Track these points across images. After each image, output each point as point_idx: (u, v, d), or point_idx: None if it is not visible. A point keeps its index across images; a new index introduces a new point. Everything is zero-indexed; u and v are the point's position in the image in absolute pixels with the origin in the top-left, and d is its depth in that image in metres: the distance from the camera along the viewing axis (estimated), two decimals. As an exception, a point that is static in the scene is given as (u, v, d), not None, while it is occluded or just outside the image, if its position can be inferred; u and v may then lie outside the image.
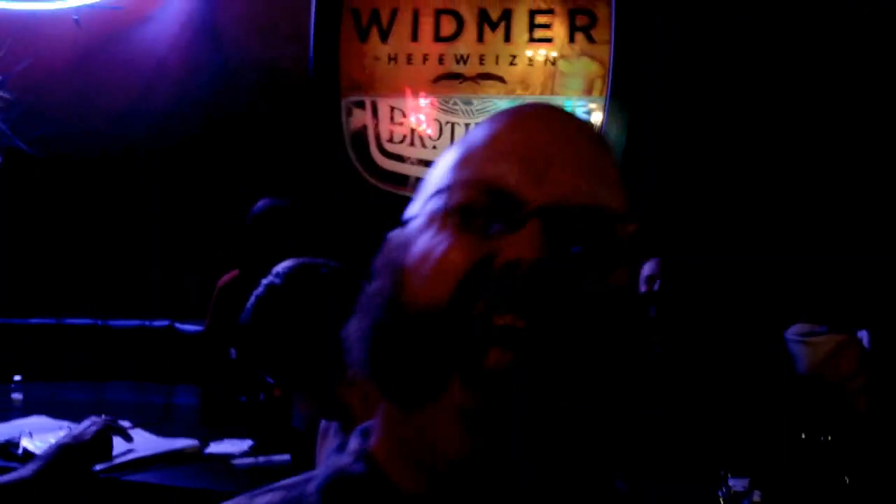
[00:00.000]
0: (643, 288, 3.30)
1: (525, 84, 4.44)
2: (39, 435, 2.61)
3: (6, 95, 4.55)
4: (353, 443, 0.75)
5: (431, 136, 4.59)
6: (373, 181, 4.61)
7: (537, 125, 0.73)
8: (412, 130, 4.60)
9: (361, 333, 0.72)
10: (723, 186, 4.05)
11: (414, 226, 0.73)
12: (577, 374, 0.65)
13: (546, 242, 0.64)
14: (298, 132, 4.61)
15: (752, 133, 4.08)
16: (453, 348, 0.64)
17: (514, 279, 0.64)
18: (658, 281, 3.26)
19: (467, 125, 4.52)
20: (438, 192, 0.72)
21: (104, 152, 4.72)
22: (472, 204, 0.69)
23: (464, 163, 0.72)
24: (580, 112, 4.33)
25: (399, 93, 4.60)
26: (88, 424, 2.29)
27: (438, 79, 4.53)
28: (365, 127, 4.64)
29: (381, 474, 0.71)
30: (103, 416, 2.36)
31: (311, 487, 0.73)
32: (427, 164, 4.54)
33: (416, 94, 4.58)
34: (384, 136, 4.62)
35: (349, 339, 0.73)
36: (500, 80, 4.45)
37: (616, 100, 4.25)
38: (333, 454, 0.76)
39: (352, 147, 4.63)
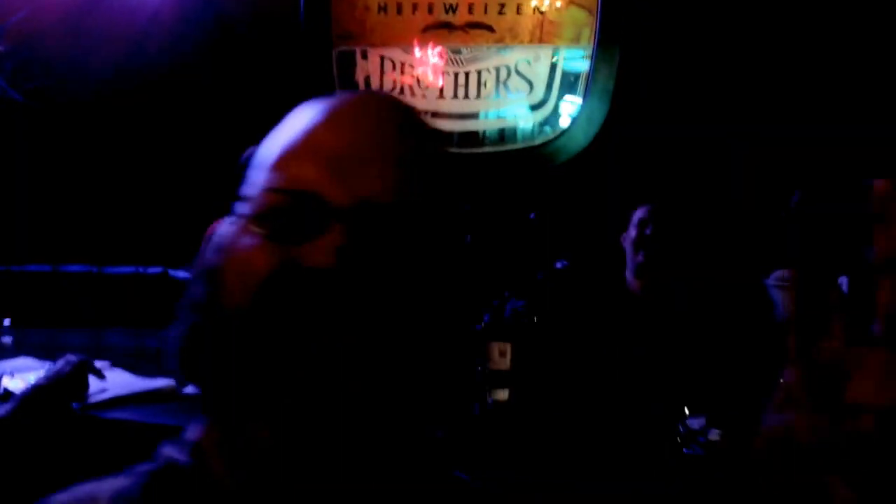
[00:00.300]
0: (633, 232, 3.30)
1: (514, 33, 4.46)
2: (21, 375, 2.65)
3: (1, 48, 4.60)
4: (189, 433, 0.76)
5: (421, 85, 4.62)
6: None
7: (345, 120, 0.72)
8: (402, 80, 4.63)
9: (179, 337, 0.72)
10: (713, 128, 4.05)
11: (226, 229, 0.72)
12: (379, 376, 0.65)
13: (348, 248, 0.65)
14: (291, 82, 4.65)
15: (741, 73, 4.07)
16: (261, 352, 0.65)
17: (312, 287, 0.64)
18: (650, 225, 3.27)
19: (456, 74, 4.55)
20: (248, 192, 0.72)
21: (99, 102, 4.77)
22: (276, 207, 0.69)
23: (270, 161, 0.72)
24: (569, 61, 4.38)
25: (389, 43, 4.63)
26: (63, 363, 2.34)
27: (428, 28, 4.55)
28: (356, 77, 4.68)
29: (204, 466, 0.72)
30: (77, 356, 2.41)
31: (145, 474, 0.76)
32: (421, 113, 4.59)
33: (405, 44, 4.61)
34: (374, 85, 4.65)
35: (170, 344, 0.73)
36: (490, 29, 4.47)
37: (603, 48, 4.26)
38: (170, 444, 0.77)
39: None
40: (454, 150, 4.47)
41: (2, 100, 4.52)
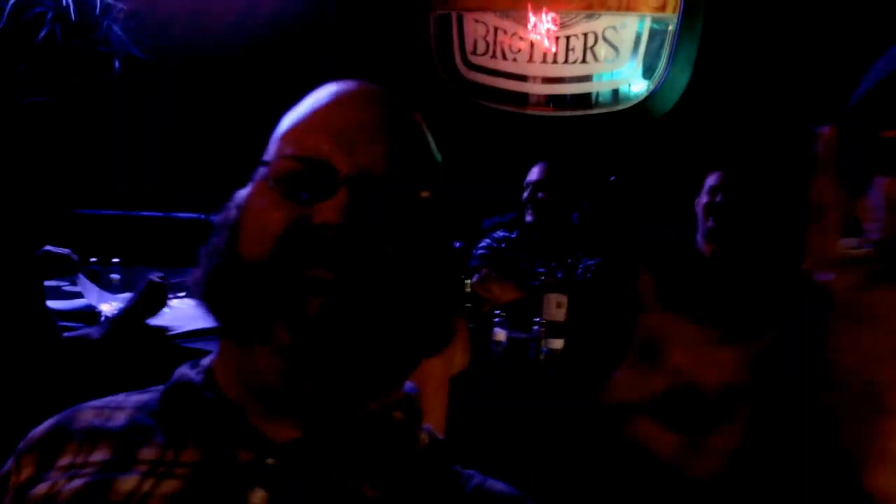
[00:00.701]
0: (705, 199, 3.39)
1: (602, 0, 4.56)
2: (116, 303, 2.86)
3: (123, 6, 4.89)
4: (205, 360, 0.88)
5: (512, 48, 4.77)
6: (460, 91, 4.86)
7: (352, 103, 0.83)
8: (495, 43, 4.80)
9: (203, 276, 0.82)
10: (792, 97, 4.05)
11: (248, 189, 0.83)
12: (372, 316, 0.76)
13: (352, 207, 0.75)
14: (390, 46, 4.85)
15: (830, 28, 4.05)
16: (274, 295, 0.75)
17: (323, 239, 0.74)
18: (721, 192, 3.35)
19: (544, 40, 4.69)
20: (269, 159, 0.82)
21: (213, 62, 5.03)
22: (292, 172, 0.78)
23: (288, 134, 0.82)
24: (654, 28, 4.48)
25: (482, 6, 4.79)
26: (145, 285, 2.52)
27: (522, -7, 4.68)
28: (451, 39, 4.88)
29: (215, 385, 0.83)
30: (156, 274, 2.57)
31: (163, 388, 0.87)
32: (508, 76, 4.75)
33: (501, 9, 4.76)
34: (469, 48, 4.84)
35: (195, 281, 0.83)
36: (580, -5, 4.58)
37: (688, 16, 4.34)
38: (186, 366, 0.88)
39: (438, 59, 4.89)
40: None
41: (125, 55, 4.79)
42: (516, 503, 0.84)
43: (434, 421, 1.54)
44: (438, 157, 0.88)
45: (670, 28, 4.43)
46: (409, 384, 0.91)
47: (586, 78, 4.62)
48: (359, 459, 0.80)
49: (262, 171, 0.82)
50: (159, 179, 4.90)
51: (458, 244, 3.75)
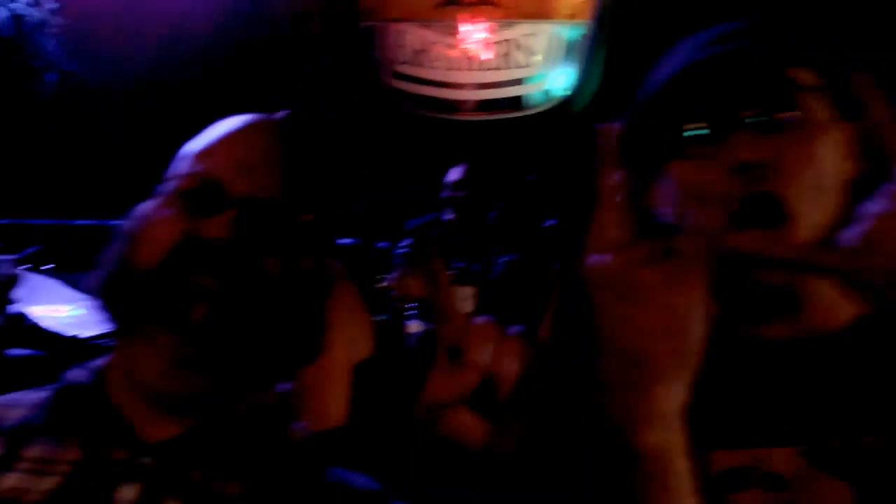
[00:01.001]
0: (447, 193, 3.60)
1: (519, 9, 4.75)
2: None
3: (60, 21, 4.88)
4: (98, 362, 0.89)
5: (432, 58, 4.94)
6: (388, 101, 5.00)
7: (252, 133, 0.90)
8: (417, 52, 4.94)
9: (98, 280, 0.85)
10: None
11: (151, 202, 0.87)
12: (249, 324, 0.81)
13: (238, 225, 0.81)
14: (319, 59, 4.96)
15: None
16: (161, 300, 0.79)
17: (210, 251, 0.79)
18: (462, 188, 3.55)
19: (462, 48, 4.88)
20: (170, 177, 0.88)
21: (139, 82, 5.08)
22: (189, 190, 0.84)
23: (190, 156, 0.88)
24: (567, 34, 4.70)
25: (406, 18, 4.93)
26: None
27: (441, 5, 4.85)
28: (376, 51, 5.02)
29: (103, 386, 0.85)
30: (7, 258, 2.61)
31: (54, 390, 0.89)
32: (432, 83, 4.92)
33: (421, 20, 4.91)
34: (393, 58, 4.99)
35: (93, 282, 0.86)
36: (496, 5, 4.76)
37: (597, 23, 4.58)
38: (77, 368, 0.91)
39: (368, 70, 5.03)
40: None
41: (56, 69, 4.80)
42: (375, 497, 0.89)
43: (335, 408, 1.59)
44: (331, 182, 0.95)
45: (583, 33, 4.65)
46: (283, 385, 0.95)
47: (508, 83, 4.81)
48: (229, 458, 0.84)
49: (164, 186, 0.88)
50: (89, 187, 4.89)
51: (383, 245, 3.90)
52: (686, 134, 0.85)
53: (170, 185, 0.86)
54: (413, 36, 4.94)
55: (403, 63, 4.97)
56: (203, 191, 0.83)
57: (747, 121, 0.82)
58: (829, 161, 0.82)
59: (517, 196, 4.13)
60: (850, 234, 0.68)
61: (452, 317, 0.71)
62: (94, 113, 5.09)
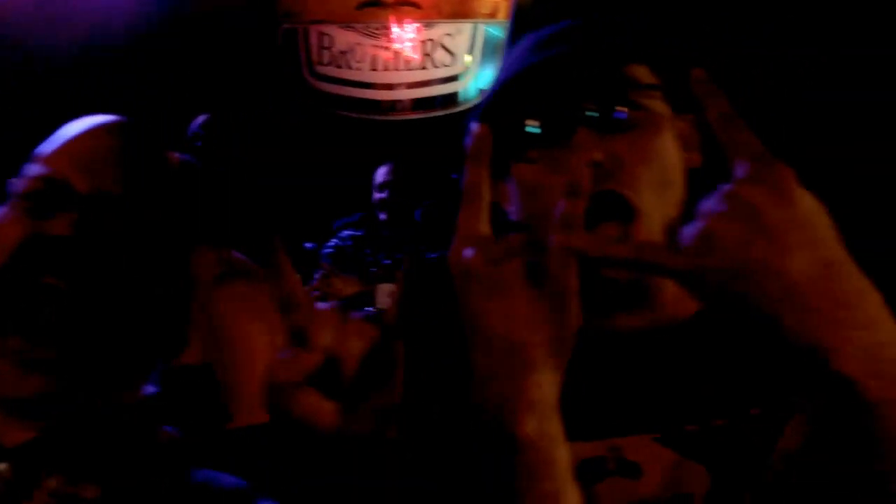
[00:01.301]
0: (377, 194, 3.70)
1: (439, 10, 4.79)
2: None
3: None
4: None
5: (356, 59, 4.94)
6: (309, 101, 5.00)
7: (98, 134, 0.91)
8: (340, 53, 4.94)
9: None
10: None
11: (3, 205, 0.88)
12: (99, 323, 0.81)
13: (83, 223, 0.81)
14: (240, 59, 4.92)
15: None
16: (6, 303, 0.79)
17: (55, 249, 0.80)
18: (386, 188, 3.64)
19: (385, 49, 4.91)
20: (17, 180, 0.88)
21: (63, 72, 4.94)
22: (35, 190, 0.85)
23: (38, 157, 0.89)
24: (485, 34, 4.77)
25: (326, 19, 4.92)
26: None
27: (361, 6, 4.85)
28: (299, 52, 4.99)
29: None
30: None
31: None
32: (359, 84, 4.93)
33: (341, 21, 4.90)
34: (316, 59, 4.98)
35: None
36: (417, 6, 4.80)
37: (514, 21, 4.65)
38: None
39: (288, 72, 5.01)
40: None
41: None
42: (241, 496, 0.90)
43: (249, 393, 1.64)
44: (178, 182, 0.95)
45: (502, 31, 4.73)
46: (148, 386, 0.95)
47: (437, 81, 4.87)
48: (86, 460, 0.84)
49: (11, 187, 0.89)
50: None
51: (310, 245, 3.92)
52: (527, 131, 0.88)
53: (16, 188, 0.87)
54: (336, 37, 4.94)
55: (328, 65, 4.97)
56: (47, 191, 0.83)
57: (586, 120, 0.84)
58: (669, 155, 0.86)
59: (443, 194, 4.18)
60: (687, 233, 0.70)
61: (296, 304, 0.70)
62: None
